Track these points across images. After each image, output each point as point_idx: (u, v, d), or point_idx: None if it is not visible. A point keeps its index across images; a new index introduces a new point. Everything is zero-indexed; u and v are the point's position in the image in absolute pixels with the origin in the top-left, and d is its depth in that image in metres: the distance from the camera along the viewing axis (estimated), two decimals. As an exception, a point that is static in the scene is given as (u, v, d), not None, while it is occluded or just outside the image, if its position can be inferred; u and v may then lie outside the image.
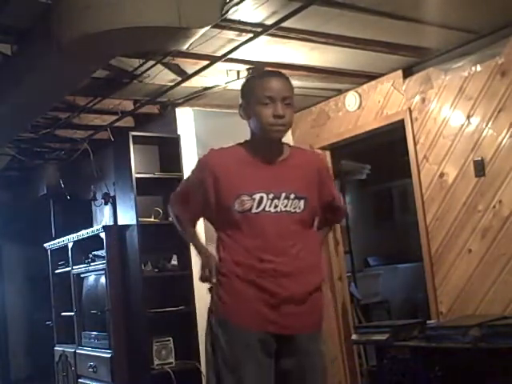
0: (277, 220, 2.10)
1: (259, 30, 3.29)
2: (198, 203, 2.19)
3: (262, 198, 2.09)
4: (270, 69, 3.58)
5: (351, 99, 4.66)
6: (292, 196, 2.12)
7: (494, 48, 3.73)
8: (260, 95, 2.12)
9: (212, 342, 2.10)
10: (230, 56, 3.59)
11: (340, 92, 4.75)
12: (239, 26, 3.26)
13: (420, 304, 5.34)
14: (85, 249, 5.02)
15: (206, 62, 3.70)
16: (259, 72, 2.31)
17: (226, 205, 2.10)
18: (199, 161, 2.27)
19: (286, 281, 2.08)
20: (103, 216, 5.32)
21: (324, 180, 2.27)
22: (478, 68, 3.82)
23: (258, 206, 2.09)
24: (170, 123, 4.69)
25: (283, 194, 2.11)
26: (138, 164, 4.46)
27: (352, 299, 5.16)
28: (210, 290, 2.17)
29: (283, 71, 3.97)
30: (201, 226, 4.75)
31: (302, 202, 2.14)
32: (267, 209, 2.09)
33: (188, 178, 2.31)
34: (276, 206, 2.10)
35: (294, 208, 2.13)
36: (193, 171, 2.27)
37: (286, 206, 2.11)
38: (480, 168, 3.81)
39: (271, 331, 2.07)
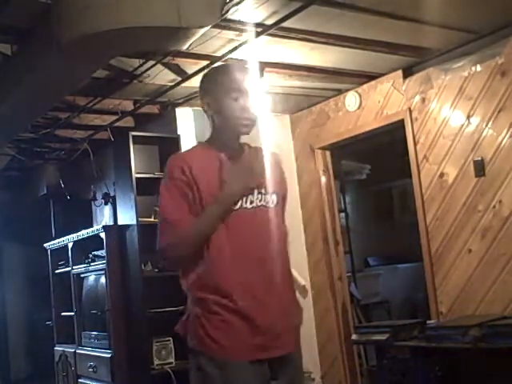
0: (254, 216, 2.01)
1: (259, 30, 3.29)
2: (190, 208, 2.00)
3: None
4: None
5: (351, 99, 4.66)
6: (263, 190, 2.04)
7: (494, 48, 3.73)
8: (229, 88, 2.00)
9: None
10: (229, 56, 3.59)
11: (340, 92, 4.75)
12: (239, 26, 3.26)
13: (420, 304, 5.34)
14: (85, 249, 5.02)
15: (206, 62, 3.70)
16: (221, 65, 2.19)
17: (206, 204, 1.97)
18: (172, 165, 2.09)
19: (267, 299, 1.97)
20: (103, 216, 5.32)
21: (282, 178, 2.20)
22: (478, 68, 3.82)
23: (235, 204, 1.99)
24: (170, 123, 4.68)
25: (255, 189, 2.03)
26: (138, 164, 4.46)
27: (352, 299, 5.15)
28: (184, 335, 2.00)
29: (283, 71, 4.02)
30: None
31: (274, 196, 2.07)
32: (244, 205, 2.00)
33: (165, 198, 2.03)
34: (252, 202, 2.01)
35: (267, 202, 2.05)
36: (169, 183, 2.04)
37: (260, 201, 2.03)
38: (480, 168, 3.81)
39: (267, 357, 1.96)
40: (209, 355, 1.93)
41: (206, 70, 2.28)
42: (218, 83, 2.04)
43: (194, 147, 2.16)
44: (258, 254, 1.99)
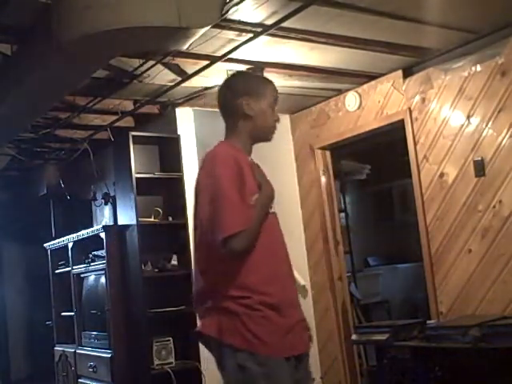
0: (275, 220, 2.13)
1: (259, 29, 3.29)
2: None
3: None
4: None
5: (351, 99, 4.66)
6: None
7: (494, 48, 3.73)
8: (272, 99, 2.18)
9: (244, 383, 1.97)
10: (230, 56, 3.60)
11: (340, 92, 4.75)
12: (239, 26, 3.26)
13: (420, 304, 5.34)
14: (85, 249, 5.02)
15: (205, 62, 3.70)
16: (262, 76, 2.30)
17: (247, 203, 2.01)
18: (226, 155, 2.06)
19: (294, 298, 2.12)
20: (103, 216, 5.32)
21: None
22: (478, 68, 3.82)
23: None
24: (170, 123, 4.68)
25: None
26: (138, 164, 4.46)
27: (352, 299, 5.16)
28: (217, 334, 2.00)
29: (283, 71, 4.02)
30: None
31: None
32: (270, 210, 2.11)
33: (228, 188, 1.98)
34: (271, 207, 2.11)
35: (274, 209, 2.14)
36: (230, 173, 2.00)
37: (272, 207, 2.13)
38: (480, 168, 3.81)
39: (297, 353, 2.05)
40: (250, 352, 1.95)
41: (241, 72, 2.41)
42: (265, 91, 2.19)
43: (224, 145, 2.15)
44: (283, 256, 2.12)
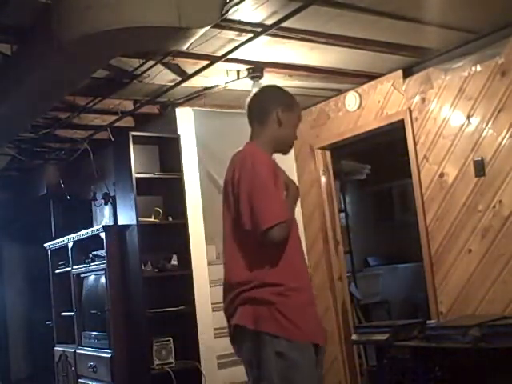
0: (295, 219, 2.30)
1: (259, 30, 3.29)
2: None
3: None
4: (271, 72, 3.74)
5: (351, 99, 4.67)
6: None
7: (494, 48, 3.73)
8: (298, 118, 2.39)
9: (283, 370, 2.05)
10: (230, 56, 3.60)
11: (340, 92, 4.75)
12: (239, 26, 3.26)
13: (420, 304, 5.34)
14: (85, 249, 5.02)
15: (205, 62, 3.70)
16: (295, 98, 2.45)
17: (283, 197, 2.24)
18: (263, 155, 2.24)
19: (312, 290, 2.29)
20: (103, 216, 5.32)
21: None
22: (478, 68, 3.82)
23: None
24: (170, 123, 4.68)
25: None
26: (138, 164, 4.46)
27: (352, 299, 5.16)
28: (253, 324, 2.10)
29: (283, 71, 4.02)
30: (200, 223, 4.70)
31: None
32: None
33: (269, 184, 2.15)
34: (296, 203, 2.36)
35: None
36: (269, 171, 2.18)
37: None
38: (480, 168, 3.81)
39: (320, 342, 2.19)
40: (286, 338, 2.05)
41: (275, 85, 2.58)
42: (295, 108, 2.39)
43: (254, 146, 2.30)
44: (303, 254, 2.30)
